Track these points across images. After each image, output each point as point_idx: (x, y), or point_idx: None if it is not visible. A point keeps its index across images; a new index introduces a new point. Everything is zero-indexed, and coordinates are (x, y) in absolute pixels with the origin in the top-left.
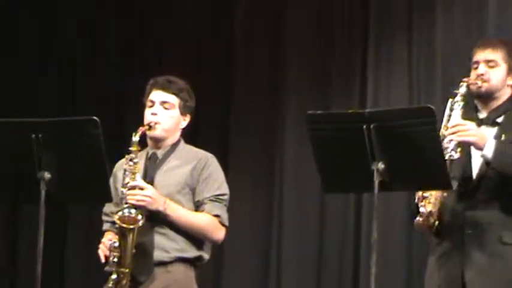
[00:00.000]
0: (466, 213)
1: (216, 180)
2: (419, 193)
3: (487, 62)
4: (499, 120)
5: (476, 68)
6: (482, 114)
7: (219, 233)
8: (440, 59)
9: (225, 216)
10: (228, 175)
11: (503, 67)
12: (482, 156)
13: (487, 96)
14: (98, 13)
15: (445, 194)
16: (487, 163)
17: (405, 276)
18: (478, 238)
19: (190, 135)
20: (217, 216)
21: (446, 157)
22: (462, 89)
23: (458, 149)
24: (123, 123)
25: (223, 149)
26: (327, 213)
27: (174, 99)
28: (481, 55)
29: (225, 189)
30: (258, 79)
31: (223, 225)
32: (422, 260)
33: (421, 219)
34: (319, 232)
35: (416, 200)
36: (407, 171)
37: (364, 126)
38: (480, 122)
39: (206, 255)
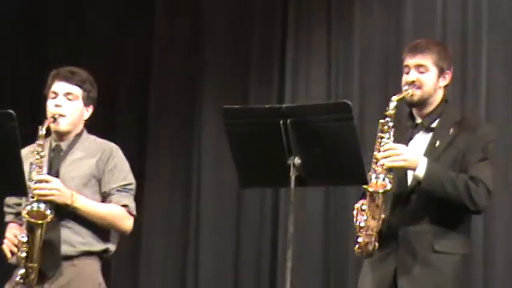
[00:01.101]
0: (400, 225)
1: (122, 171)
2: (357, 223)
3: (418, 67)
4: (434, 125)
5: (407, 72)
6: (418, 120)
7: (128, 223)
8: (358, 52)
9: (132, 206)
10: (145, 171)
11: (433, 71)
12: (415, 176)
13: (420, 104)
14: None
15: (382, 217)
16: (418, 182)
17: (322, 270)
18: (411, 246)
19: (108, 129)
20: (125, 206)
21: (381, 189)
22: (392, 109)
23: (391, 176)
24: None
25: (140, 146)
26: (244, 208)
27: (77, 91)
28: (411, 60)
29: (131, 178)
30: (175, 73)
31: (131, 214)
32: (339, 253)
33: (359, 248)
34: (236, 226)
35: (356, 229)
36: (323, 167)
37: (281, 121)
38: (415, 128)
39: (113, 247)
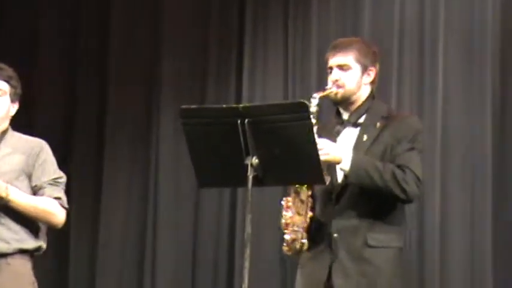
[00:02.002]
0: (333, 219)
1: (52, 164)
2: (283, 221)
3: (340, 66)
4: (361, 120)
5: (331, 73)
6: (345, 116)
7: (61, 215)
8: (316, 53)
9: (65, 199)
10: (103, 170)
11: (356, 69)
12: (341, 169)
13: (345, 101)
14: None
15: (309, 214)
16: (345, 176)
17: (280, 270)
18: (345, 242)
19: (67, 130)
20: (58, 198)
21: None
22: (313, 105)
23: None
24: None
25: (99, 144)
26: (202, 207)
27: (5, 86)
28: (333, 60)
29: (60, 172)
30: (133, 73)
31: (64, 207)
32: None
33: (285, 246)
34: (194, 225)
35: (280, 227)
36: (281, 166)
37: (239, 121)
38: (343, 124)
39: (44, 245)
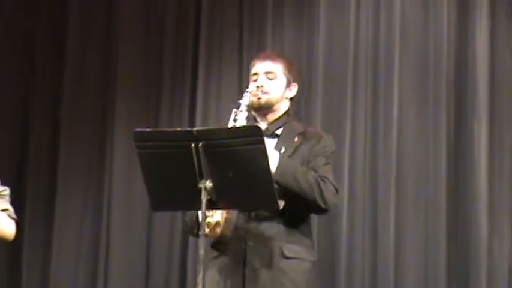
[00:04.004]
0: (249, 225)
1: None
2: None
3: (267, 73)
4: (278, 132)
5: (256, 79)
6: (262, 125)
7: (12, 226)
8: None
9: (12, 210)
10: (56, 187)
11: (282, 80)
12: None
13: (266, 108)
14: None
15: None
16: None
17: None
18: (260, 251)
19: (20, 149)
20: (5, 210)
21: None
22: (246, 99)
23: None
24: None
25: (53, 160)
26: (154, 228)
27: None
28: (261, 65)
29: (2, 186)
30: (87, 91)
31: (12, 218)
32: None
33: (208, 229)
34: (147, 248)
35: (198, 215)
36: (234, 190)
37: (193, 145)
38: None
39: None
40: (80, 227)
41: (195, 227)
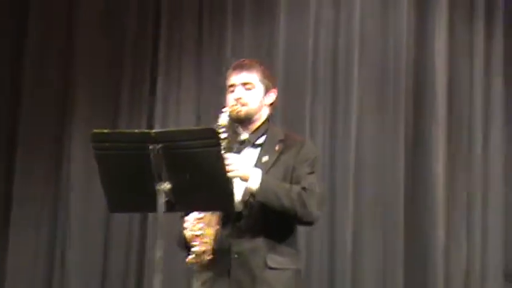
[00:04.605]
0: (232, 239)
1: None
2: (189, 233)
3: (244, 84)
4: (260, 141)
5: (233, 91)
6: (244, 135)
7: None
8: None
9: None
10: (12, 190)
11: (259, 88)
12: (248, 188)
13: (246, 120)
14: None
15: (217, 227)
16: (252, 195)
17: None
18: (244, 263)
19: None
20: None
21: None
22: (224, 119)
23: None
24: None
25: (9, 163)
26: (112, 231)
27: None
28: (236, 78)
29: None
30: (46, 95)
31: None
32: None
33: (194, 257)
34: (104, 251)
35: (188, 239)
36: (192, 192)
37: (151, 147)
38: (242, 144)
39: None
40: (36, 232)
41: (183, 245)
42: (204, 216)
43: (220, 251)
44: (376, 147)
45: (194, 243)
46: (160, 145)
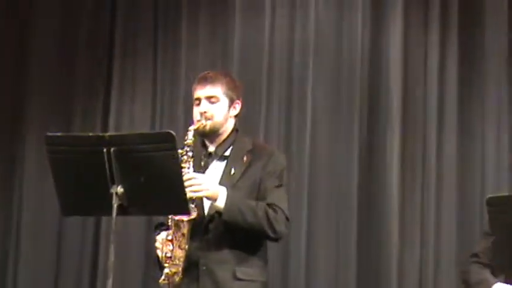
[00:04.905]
0: (201, 251)
1: None
2: (163, 254)
3: (208, 98)
4: (227, 153)
5: (198, 104)
6: (211, 148)
7: None
8: (184, 82)
9: None
10: None
11: (224, 101)
12: (215, 206)
13: (213, 133)
14: None
15: (187, 247)
16: (218, 213)
17: None
18: (212, 275)
19: None
20: None
21: (186, 217)
22: (190, 138)
23: (193, 205)
24: None
25: None
26: (65, 235)
27: None
28: (202, 91)
29: None
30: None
31: None
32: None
33: (166, 279)
34: (57, 254)
35: (160, 259)
36: (146, 196)
37: (105, 150)
38: (209, 157)
39: None
40: None
41: (158, 264)
42: (174, 238)
43: (189, 263)
44: (330, 150)
45: (165, 264)
46: (114, 148)
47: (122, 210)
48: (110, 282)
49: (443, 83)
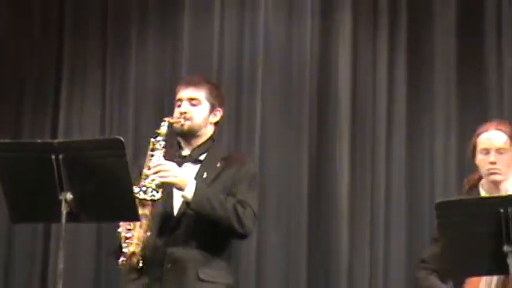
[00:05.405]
0: (167, 249)
1: None
2: (123, 234)
3: (190, 100)
4: (202, 157)
5: (180, 105)
6: (186, 151)
7: None
8: (134, 90)
9: None
10: None
11: (205, 106)
12: (183, 196)
13: (189, 134)
14: None
15: (148, 233)
16: (187, 203)
17: None
18: (176, 274)
19: None
20: None
21: (148, 197)
22: (164, 128)
23: (160, 190)
24: None
25: None
26: (14, 243)
27: None
28: (184, 92)
29: None
30: None
31: None
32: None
33: (124, 259)
34: (5, 262)
35: (121, 241)
36: (95, 203)
37: (53, 157)
38: (183, 159)
39: None
40: None
41: (115, 252)
42: None
43: (155, 259)
44: (280, 158)
45: (124, 244)
46: (63, 155)
47: (71, 217)
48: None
49: (392, 88)
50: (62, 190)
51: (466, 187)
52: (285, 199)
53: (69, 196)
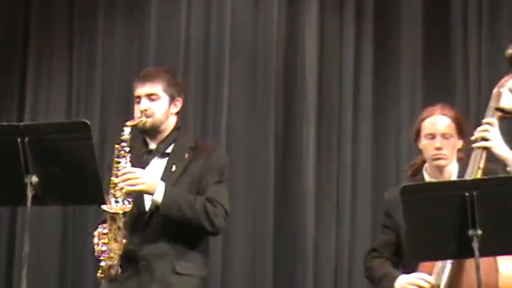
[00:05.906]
0: (141, 246)
1: None
2: (98, 247)
3: (149, 96)
4: (169, 150)
5: (139, 102)
6: (152, 145)
7: None
8: (100, 77)
9: None
10: None
11: (164, 99)
12: (153, 200)
13: (153, 130)
14: None
15: (124, 241)
16: (157, 207)
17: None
18: (151, 268)
19: None
20: None
21: (120, 209)
22: (126, 134)
23: (131, 199)
24: None
25: None
26: None
27: None
28: (141, 89)
29: None
30: None
31: None
32: (77, 274)
33: (102, 274)
34: None
35: (96, 254)
36: (61, 186)
37: (19, 139)
38: (150, 154)
39: None
40: None
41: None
42: (110, 231)
43: (130, 258)
44: (246, 142)
45: (101, 258)
46: (28, 138)
47: (36, 200)
48: (24, 272)
49: (358, 72)
50: (27, 173)
51: (410, 172)
52: (251, 183)
53: (34, 179)
